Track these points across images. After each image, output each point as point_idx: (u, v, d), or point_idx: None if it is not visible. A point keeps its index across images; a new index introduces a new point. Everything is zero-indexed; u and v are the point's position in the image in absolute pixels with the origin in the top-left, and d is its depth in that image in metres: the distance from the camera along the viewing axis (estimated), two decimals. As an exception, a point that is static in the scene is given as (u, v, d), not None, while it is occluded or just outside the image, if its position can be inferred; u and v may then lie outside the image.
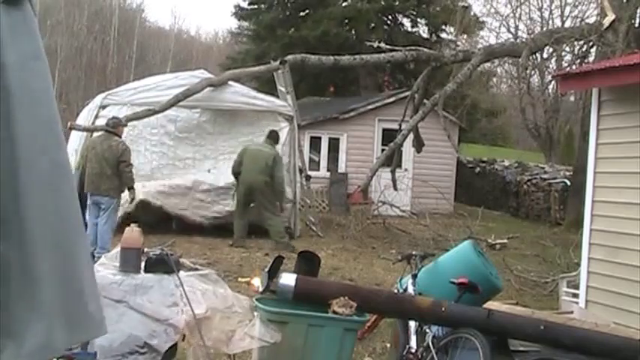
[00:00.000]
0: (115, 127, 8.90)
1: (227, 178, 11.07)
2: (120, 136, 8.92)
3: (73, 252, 1.61)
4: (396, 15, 24.26)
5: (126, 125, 9.63)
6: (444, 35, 23.81)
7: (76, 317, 1.59)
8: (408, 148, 15.69)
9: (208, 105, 11.41)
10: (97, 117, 10.82)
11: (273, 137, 10.76)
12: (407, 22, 24.65)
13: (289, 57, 12.41)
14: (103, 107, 10.95)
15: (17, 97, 1.45)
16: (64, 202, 1.60)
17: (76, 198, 1.68)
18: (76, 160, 10.57)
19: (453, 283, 4.60)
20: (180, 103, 10.95)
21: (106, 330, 1.67)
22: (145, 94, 11.19)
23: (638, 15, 12.49)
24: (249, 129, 11.61)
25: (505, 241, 12.44)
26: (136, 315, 4.12)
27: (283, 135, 11.55)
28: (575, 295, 6.79)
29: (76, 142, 11.01)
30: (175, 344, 4.19)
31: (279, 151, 10.79)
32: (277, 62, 12.34)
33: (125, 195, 8.88)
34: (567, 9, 19.39)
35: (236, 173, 10.43)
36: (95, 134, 9.76)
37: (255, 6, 24.91)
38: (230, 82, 11.74)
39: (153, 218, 10.37)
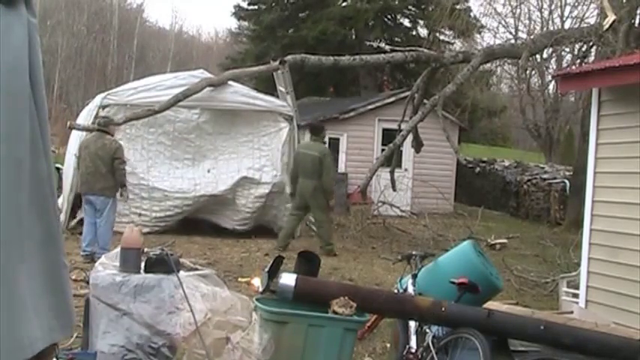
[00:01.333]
0: (106, 125, 8.94)
1: (225, 182, 11.12)
2: (112, 135, 8.96)
3: (55, 250, 1.62)
4: (395, 15, 24.27)
5: (118, 124, 9.62)
6: (443, 37, 23.82)
7: (56, 315, 1.59)
8: (408, 148, 15.68)
9: (208, 105, 11.40)
10: (96, 117, 10.81)
11: (316, 132, 10.37)
12: (406, 22, 24.67)
13: (289, 57, 12.39)
14: (103, 107, 10.95)
15: (5, 98, 1.45)
16: (48, 200, 1.61)
17: (55, 197, 1.69)
18: (75, 161, 10.59)
19: (453, 283, 4.60)
20: (180, 104, 10.95)
21: (72, 332, 1.68)
22: (144, 94, 11.18)
23: (638, 15, 12.47)
24: (249, 129, 11.60)
25: (505, 241, 12.43)
26: (136, 321, 4.12)
27: (283, 135, 11.55)
28: (575, 295, 6.79)
29: (76, 142, 11.02)
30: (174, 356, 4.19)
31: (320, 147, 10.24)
32: (277, 62, 12.33)
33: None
34: (567, 9, 19.41)
35: (293, 178, 10.27)
36: (88, 135, 9.76)
37: (255, 6, 24.93)
38: (230, 82, 11.73)
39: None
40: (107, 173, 8.56)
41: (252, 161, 11.43)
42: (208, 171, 11.33)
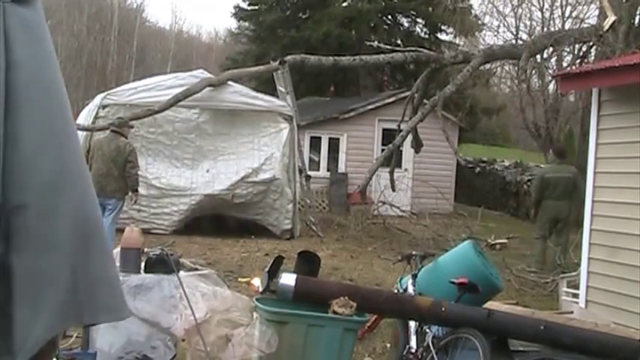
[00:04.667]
0: (121, 127, 8.87)
1: (222, 182, 11.12)
2: (126, 137, 8.88)
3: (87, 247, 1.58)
4: (396, 15, 24.25)
5: (132, 127, 9.55)
6: (443, 36, 23.84)
7: (73, 306, 1.57)
8: (408, 148, 15.68)
9: (208, 105, 11.39)
10: (96, 117, 10.83)
11: (560, 155, 10.32)
12: (407, 23, 24.65)
13: (289, 57, 12.40)
14: (103, 107, 10.95)
15: (26, 94, 1.44)
16: (77, 196, 1.58)
17: (92, 188, 1.64)
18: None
19: (453, 283, 4.60)
20: (179, 103, 10.94)
21: (124, 315, 1.64)
22: (144, 94, 11.18)
23: (638, 15, 12.47)
24: (249, 129, 11.59)
25: (505, 241, 12.43)
26: (136, 320, 4.12)
27: (283, 135, 11.54)
28: (575, 295, 6.79)
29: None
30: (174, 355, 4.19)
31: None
32: (277, 62, 12.33)
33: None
34: (567, 9, 19.42)
35: (537, 199, 10.15)
36: (101, 135, 9.67)
37: (256, 7, 24.90)
38: (230, 82, 11.72)
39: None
40: (119, 176, 8.51)
41: (251, 161, 11.41)
42: (207, 171, 11.32)
